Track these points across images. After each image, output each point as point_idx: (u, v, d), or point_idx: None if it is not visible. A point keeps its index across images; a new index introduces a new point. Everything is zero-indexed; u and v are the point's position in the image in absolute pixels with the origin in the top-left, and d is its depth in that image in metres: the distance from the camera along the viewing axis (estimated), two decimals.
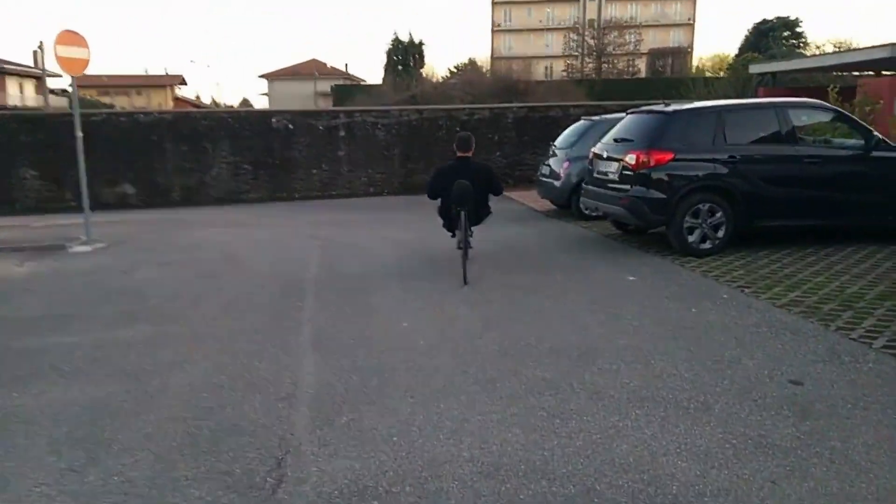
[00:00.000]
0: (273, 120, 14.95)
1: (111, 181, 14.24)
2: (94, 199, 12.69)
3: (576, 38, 61.57)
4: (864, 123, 7.45)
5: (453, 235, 7.19)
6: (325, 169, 15.17)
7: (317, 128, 15.04)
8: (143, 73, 78.04)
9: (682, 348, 4.49)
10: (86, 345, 5.00)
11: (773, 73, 16.03)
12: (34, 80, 55.07)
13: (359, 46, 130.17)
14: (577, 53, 62.66)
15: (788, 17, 62.02)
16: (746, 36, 63.43)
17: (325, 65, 71.98)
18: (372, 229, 10.44)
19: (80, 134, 9.62)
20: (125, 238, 10.21)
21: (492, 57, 66.13)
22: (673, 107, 7.70)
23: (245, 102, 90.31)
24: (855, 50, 12.79)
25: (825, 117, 7.82)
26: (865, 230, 7.61)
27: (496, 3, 70.85)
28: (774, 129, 7.28)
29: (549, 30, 70.23)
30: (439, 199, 7.20)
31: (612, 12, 67.35)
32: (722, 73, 62.33)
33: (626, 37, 59.78)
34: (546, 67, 63.53)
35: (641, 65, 62.54)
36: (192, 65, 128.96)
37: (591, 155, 8.51)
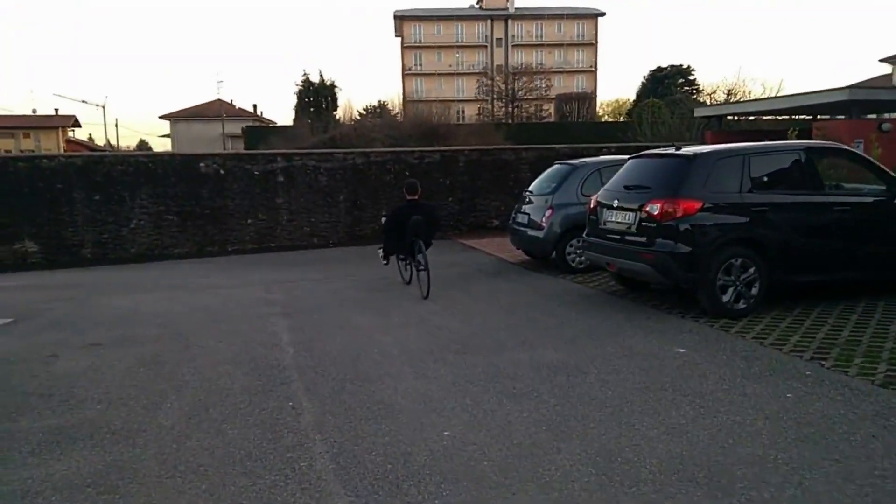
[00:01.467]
0: (201, 164, 13.38)
1: (9, 237, 12.15)
2: None
3: (488, 82, 62.61)
4: (885, 168, 7.04)
5: (386, 263, 9.40)
6: (261, 218, 13.69)
7: (252, 173, 13.60)
8: (31, 114, 72.38)
9: (825, 458, 3.58)
10: None
11: (719, 117, 16.16)
12: None
13: (266, 87, 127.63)
14: (488, 98, 63.73)
15: (682, 65, 66.10)
16: (643, 83, 66.92)
17: (232, 105, 69.53)
18: (335, 290, 9.15)
19: None
20: (34, 310, 8.40)
21: (403, 99, 66.10)
22: (689, 150, 7.03)
23: (142, 144, 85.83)
24: (813, 93, 12.98)
25: (845, 161, 7.39)
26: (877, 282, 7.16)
27: (406, 46, 71.25)
28: (801, 174, 6.74)
29: (458, 74, 71.24)
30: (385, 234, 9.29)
31: (518, 58, 69.31)
32: (622, 118, 65.54)
33: (536, 82, 61.40)
34: (458, 111, 64.00)
35: (550, 109, 64.37)
36: (83, 105, 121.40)
37: (592, 203, 7.70)
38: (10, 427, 4.49)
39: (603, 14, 71.25)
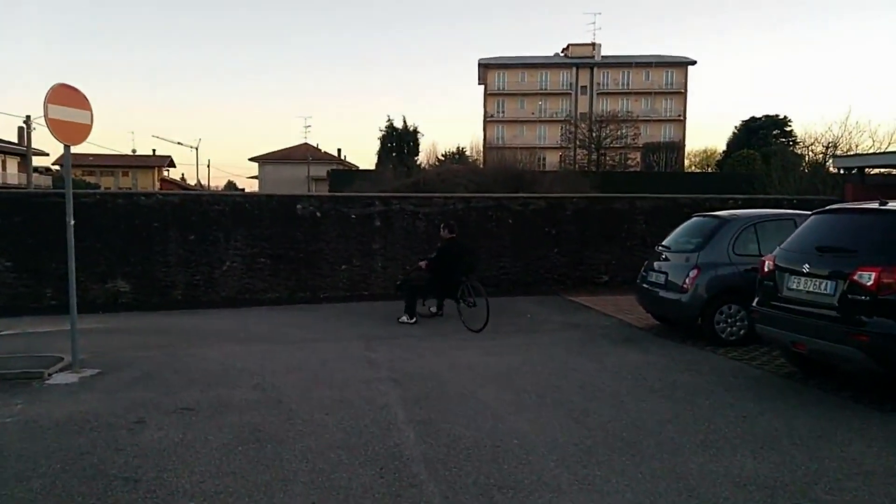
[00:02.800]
0: (298, 206, 12.81)
1: (102, 276, 11.82)
2: (80, 297, 10.30)
3: (572, 129, 61.70)
4: None
5: (415, 321, 9.82)
6: (356, 264, 12.93)
7: (348, 216, 12.92)
8: (131, 154, 76.59)
9: None
10: None
11: (861, 168, 14.46)
12: (18, 157, 53.09)
13: (349, 132, 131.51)
14: (570, 146, 62.71)
15: (777, 115, 63.16)
16: (735, 133, 64.27)
17: (317, 149, 71.30)
18: (440, 351, 8.11)
19: (71, 221, 7.32)
20: (121, 359, 7.73)
21: (484, 145, 65.99)
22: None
23: (230, 185, 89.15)
24: None
25: None
26: None
27: (489, 94, 71.50)
28: None
29: (541, 121, 70.76)
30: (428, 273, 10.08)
31: (603, 106, 68.23)
32: (709, 168, 62.77)
33: (622, 130, 60.02)
34: (539, 158, 63.17)
35: (636, 158, 62.63)
36: (179, 146, 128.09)
37: (766, 266, 6.39)
38: None
39: (693, 63, 69.51)
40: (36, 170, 50.93)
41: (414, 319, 9.86)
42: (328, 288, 12.83)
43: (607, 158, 59.85)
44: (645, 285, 9.08)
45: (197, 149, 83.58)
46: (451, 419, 5.46)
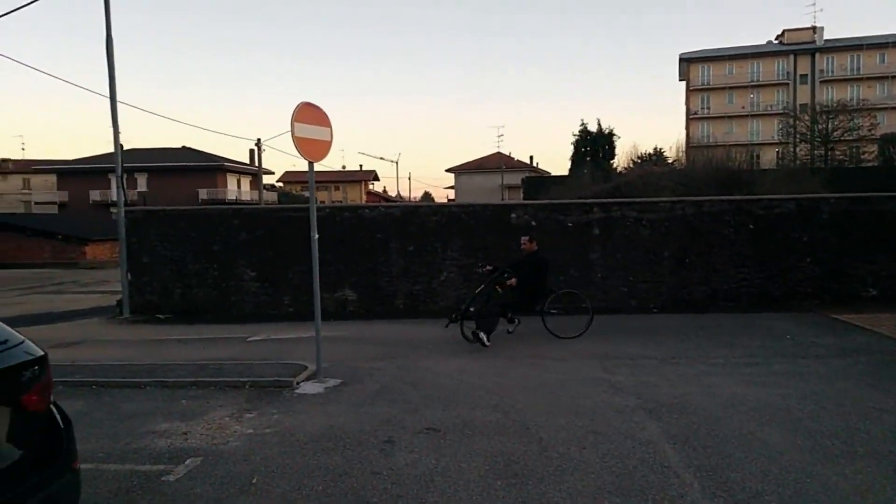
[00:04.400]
0: (513, 215, 12.47)
1: (332, 286, 12.39)
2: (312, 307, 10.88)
3: (792, 123, 55.45)
4: None
5: (487, 341, 8.78)
6: (573, 275, 12.24)
7: (564, 224, 12.30)
8: (341, 170, 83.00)
9: None
10: None
11: None
12: (249, 176, 59.94)
13: (540, 139, 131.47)
14: (789, 141, 56.37)
15: None
16: None
17: (510, 157, 71.83)
18: (696, 377, 7.12)
19: (315, 235, 7.52)
20: (358, 370, 7.81)
21: (688, 145, 61.68)
22: None
23: (426, 196, 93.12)
24: None
25: None
26: None
27: (692, 90, 66.88)
28: None
29: (753, 116, 64.64)
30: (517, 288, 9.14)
31: (828, 95, 60.54)
32: None
33: (855, 121, 52.65)
34: (754, 156, 57.54)
35: (872, 151, 54.58)
36: (381, 161, 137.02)
37: None
38: None
39: None
40: (263, 187, 57.16)
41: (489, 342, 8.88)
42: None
43: (836, 153, 52.87)
44: None
45: (397, 163, 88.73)
46: (738, 467, 4.57)
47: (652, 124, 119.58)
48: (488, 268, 9.72)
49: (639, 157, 56.33)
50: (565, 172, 55.25)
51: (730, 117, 64.86)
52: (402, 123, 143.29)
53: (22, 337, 2.94)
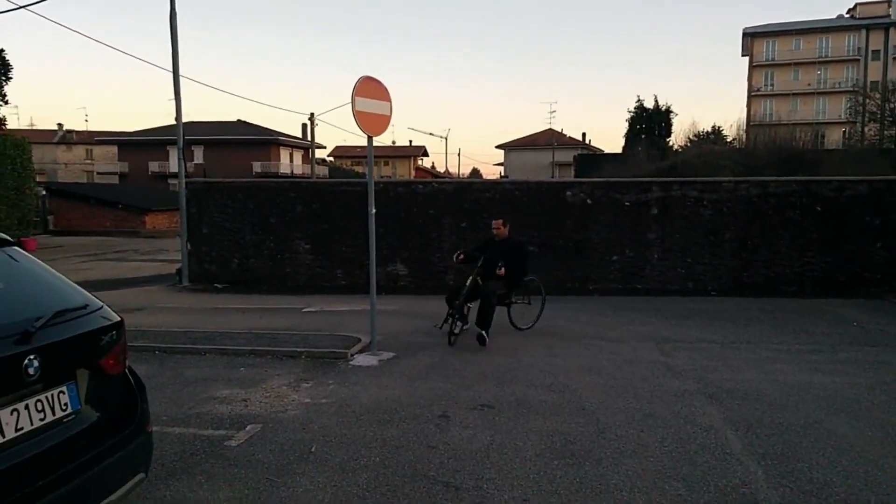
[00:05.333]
0: (568, 193, 12.26)
1: (384, 260, 12.45)
2: (364, 280, 11.00)
3: (861, 101, 52.79)
4: None
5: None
6: (628, 255, 12.02)
7: (621, 203, 12.03)
8: (391, 145, 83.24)
9: None
10: None
11: None
12: (301, 150, 60.71)
13: (593, 116, 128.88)
14: (857, 120, 53.70)
15: None
16: None
17: (562, 134, 70.69)
18: (758, 362, 6.91)
19: (373, 210, 7.55)
20: (411, 343, 7.87)
21: (748, 123, 59.46)
22: None
23: (475, 173, 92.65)
24: None
25: None
26: None
27: (755, 65, 64.28)
28: None
29: (820, 93, 61.80)
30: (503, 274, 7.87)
31: None
32: None
33: None
34: (819, 135, 55.17)
35: None
36: (430, 137, 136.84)
37: None
38: None
39: None
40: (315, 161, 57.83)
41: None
42: (598, 280, 12.11)
43: None
44: None
45: (446, 138, 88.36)
46: (804, 456, 4.42)
47: (711, 101, 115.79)
48: (462, 256, 8.41)
49: (696, 135, 54.66)
50: (619, 150, 54.14)
51: (795, 94, 62.17)
52: (453, 99, 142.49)
53: (101, 303, 3.02)
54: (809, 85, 62.02)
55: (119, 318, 3.04)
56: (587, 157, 52.96)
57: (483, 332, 7.66)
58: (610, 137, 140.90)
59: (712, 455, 4.45)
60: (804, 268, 11.41)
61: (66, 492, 2.53)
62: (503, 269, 7.85)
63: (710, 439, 4.74)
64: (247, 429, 5.02)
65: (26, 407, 2.51)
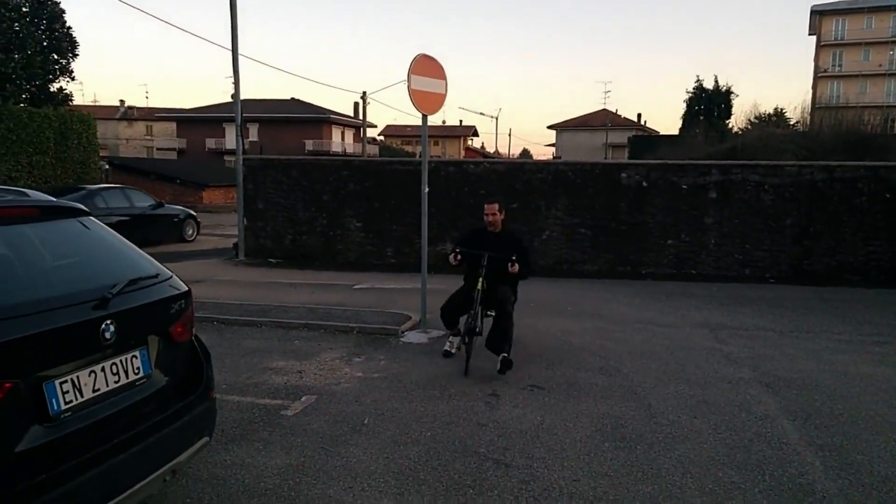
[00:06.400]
0: (623, 175, 12.04)
1: (432, 239, 12.46)
2: (413, 258, 11.13)
3: None
4: None
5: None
6: (684, 240, 11.76)
7: (678, 186, 11.76)
8: (441, 125, 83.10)
9: None
10: None
11: None
12: (352, 129, 61.20)
13: (650, 97, 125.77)
14: None
15: None
16: None
17: (617, 115, 69.26)
18: (817, 353, 6.70)
19: (426, 189, 7.60)
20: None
21: (813, 106, 57.03)
22: None
23: (525, 153, 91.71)
24: None
25: None
26: None
27: (823, 45, 61.43)
28: None
29: (891, 75, 58.74)
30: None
31: None
32: None
33: None
34: (890, 119, 52.55)
35: None
36: (481, 117, 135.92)
37: None
38: None
39: None
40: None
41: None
42: (651, 264, 11.91)
43: None
44: None
45: (496, 118, 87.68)
46: (865, 449, 4.30)
47: (774, 83, 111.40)
48: (459, 257, 6.49)
49: (757, 117, 52.76)
50: (675, 132, 52.78)
51: (864, 76, 59.31)
52: (504, 78, 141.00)
53: (170, 272, 3.15)
54: (881, 66, 58.98)
55: (187, 288, 3.16)
56: (642, 139, 51.89)
57: (507, 355, 5.87)
58: (666, 119, 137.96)
59: (768, 444, 4.37)
60: (869, 256, 10.96)
61: (139, 451, 2.66)
62: (517, 267, 6.17)
63: (765, 428, 4.65)
64: (302, 399, 5.16)
65: (102, 369, 2.64)
